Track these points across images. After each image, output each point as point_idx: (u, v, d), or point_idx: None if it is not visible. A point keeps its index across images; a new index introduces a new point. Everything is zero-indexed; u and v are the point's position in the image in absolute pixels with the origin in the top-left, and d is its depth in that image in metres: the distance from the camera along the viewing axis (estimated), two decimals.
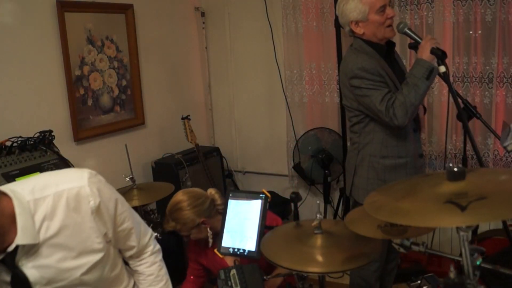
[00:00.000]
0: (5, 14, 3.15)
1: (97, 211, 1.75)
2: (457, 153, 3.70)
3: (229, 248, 2.13)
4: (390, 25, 2.74)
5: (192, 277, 2.94)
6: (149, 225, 3.23)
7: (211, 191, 2.79)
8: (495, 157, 3.63)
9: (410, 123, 2.73)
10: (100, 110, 3.81)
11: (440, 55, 2.53)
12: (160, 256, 2.11)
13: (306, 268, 1.80)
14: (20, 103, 3.25)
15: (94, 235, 1.77)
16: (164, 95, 4.46)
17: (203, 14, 4.77)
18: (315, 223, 1.94)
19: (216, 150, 4.59)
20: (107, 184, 1.86)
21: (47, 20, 3.39)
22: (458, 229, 1.46)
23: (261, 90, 4.64)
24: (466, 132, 2.61)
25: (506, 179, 1.53)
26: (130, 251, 1.99)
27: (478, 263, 1.50)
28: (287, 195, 4.42)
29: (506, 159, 3.58)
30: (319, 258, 1.85)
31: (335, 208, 4.23)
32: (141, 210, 3.18)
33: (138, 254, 2.03)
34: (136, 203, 3.00)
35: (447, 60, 2.61)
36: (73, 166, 3.19)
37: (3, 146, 2.96)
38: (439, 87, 3.67)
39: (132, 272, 2.08)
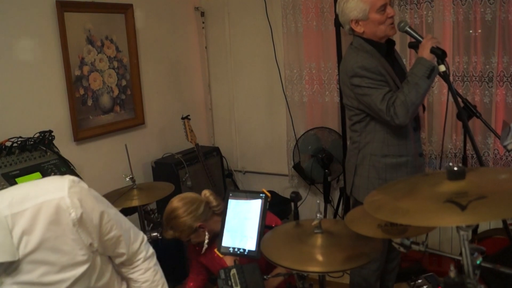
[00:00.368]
0: (4, 14, 3.15)
1: (80, 222, 1.66)
2: (457, 152, 3.70)
3: (229, 247, 2.13)
4: (391, 24, 2.74)
5: (193, 275, 2.94)
6: (149, 225, 3.26)
7: (205, 193, 2.79)
8: (495, 156, 3.63)
9: (411, 122, 2.73)
10: (100, 110, 3.81)
11: (440, 54, 2.53)
12: (154, 260, 2.03)
13: (306, 267, 1.81)
14: (20, 103, 3.25)
15: (78, 247, 1.69)
16: (164, 95, 4.46)
17: (203, 14, 4.77)
18: (315, 222, 1.94)
19: (216, 150, 4.59)
20: (91, 192, 1.76)
21: (46, 20, 3.39)
22: (458, 228, 1.46)
23: (261, 89, 4.64)
24: (466, 131, 2.61)
25: (506, 178, 1.53)
26: (120, 258, 1.91)
27: (478, 262, 1.50)
28: (287, 194, 4.42)
29: (506, 158, 3.58)
30: (319, 257, 1.86)
31: (335, 207, 4.23)
32: (141, 210, 3.18)
33: (130, 262, 1.96)
34: (136, 203, 2.99)
35: (447, 59, 2.61)
36: (73, 166, 3.19)
37: (3, 146, 2.96)
38: (439, 86, 3.67)
39: (125, 278, 2.00)
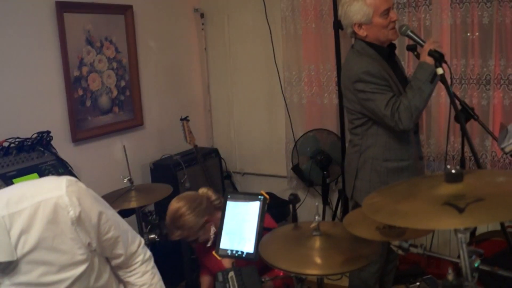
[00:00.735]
0: (4, 14, 3.15)
1: (78, 221, 1.65)
2: (455, 155, 3.70)
3: (227, 250, 2.13)
4: (393, 28, 2.75)
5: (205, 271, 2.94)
6: (147, 227, 3.26)
7: (203, 190, 2.79)
8: (493, 158, 3.64)
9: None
10: (98, 111, 3.81)
11: (437, 57, 2.53)
12: (151, 263, 2.01)
13: (304, 270, 1.81)
14: (18, 104, 3.24)
15: (76, 246, 1.68)
16: (163, 96, 4.46)
17: (202, 16, 4.77)
18: (313, 225, 1.94)
19: (215, 151, 4.59)
20: (89, 191, 1.75)
21: (46, 21, 3.39)
22: (456, 231, 1.46)
23: (260, 91, 4.65)
24: (464, 133, 2.61)
25: (504, 180, 1.53)
26: (117, 260, 1.89)
27: (476, 265, 1.51)
28: (285, 196, 4.40)
29: (504, 161, 3.59)
30: (318, 260, 1.86)
31: (333, 209, 4.23)
32: (139, 212, 3.18)
33: (127, 264, 1.94)
34: (134, 204, 2.99)
35: (447, 62, 2.62)
36: (71, 167, 3.19)
37: (1, 147, 2.96)
38: (437, 88, 3.66)
39: (122, 281, 1.98)
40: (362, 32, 2.75)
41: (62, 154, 3.22)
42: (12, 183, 2.77)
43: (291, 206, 2.45)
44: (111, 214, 1.83)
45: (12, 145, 3.01)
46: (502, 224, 2.55)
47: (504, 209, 1.31)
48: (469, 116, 2.73)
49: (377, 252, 1.86)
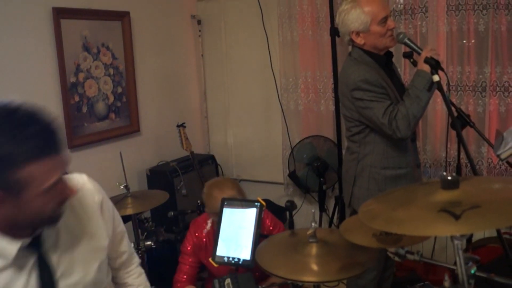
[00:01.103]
0: (0, 20, 3.15)
1: (101, 207, 1.72)
2: (451, 162, 3.71)
3: (224, 257, 2.13)
4: (391, 35, 2.75)
5: (186, 267, 2.91)
6: (143, 233, 3.25)
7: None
8: (489, 165, 3.64)
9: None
10: (95, 117, 3.80)
11: (433, 64, 2.53)
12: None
13: (301, 277, 1.80)
14: None
15: (101, 230, 1.71)
16: (159, 103, 4.46)
17: (199, 22, 4.78)
18: (310, 231, 1.94)
19: (211, 158, 4.59)
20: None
21: (43, 27, 3.39)
22: (452, 237, 1.46)
23: (257, 98, 4.65)
24: (460, 140, 2.62)
25: (500, 187, 1.54)
26: (121, 258, 1.92)
27: (472, 271, 1.51)
28: (282, 203, 4.41)
29: (500, 168, 3.60)
30: (314, 267, 1.85)
31: (330, 216, 4.22)
32: (135, 219, 3.17)
33: (128, 264, 1.96)
34: (130, 211, 2.98)
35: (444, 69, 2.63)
36: (67, 173, 3.17)
37: None
38: (433, 96, 3.66)
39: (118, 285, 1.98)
40: (359, 40, 2.75)
41: None
42: None
43: (287, 213, 2.45)
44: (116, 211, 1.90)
45: None
46: (498, 231, 2.55)
47: (500, 216, 1.31)
48: (465, 123, 2.74)
49: (373, 259, 1.86)
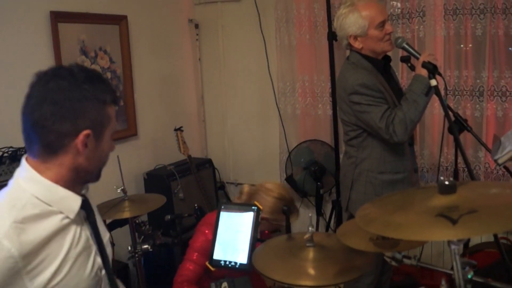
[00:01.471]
0: None
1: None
2: (449, 166, 3.71)
3: (221, 260, 2.12)
4: (388, 40, 2.75)
5: (191, 266, 2.79)
6: (140, 237, 3.24)
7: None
8: (486, 170, 3.64)
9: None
10: None
11: (431, 68, 2.53)
12: None
13: (298, 281, 1.80)
14: (11, 113, 3.19)
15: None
16: (156, 107, 4.45)
17: (196, 26, 4.78)
18: (307, 236, 1.94)
19: (209, 161, 4.58)
20: None
21: (40, 31, 3.39)
22: (449, 242, 1.46)
23: (254, 102, 4.65)
24: (457, 145, 2.62)
25: (497, 192, 1.54)
26: None
27: (469, 276, 1.51)
28: None
29: (497, 172, 3.60)
30: (311, 271, 1.85)
31: (327, 220, 4.22)
32: (132, 222, 3.16)
33: None
34: (127, 214, 2.97)
35: (442, 73, 2.63)
36: None
37: None
38: (430, 100, 3.68)
39: None
40: (357, 44, 2.76)
41: None
42: None
43: (284, 217, 2.44)
44: None
45: (6, 154, 3.00)
46: (495, 236, 2.55)
47: (497, 220, 1.31)
48: (462, 128, 2.74)
49: (371, 263, 1.86)
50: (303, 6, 4.10)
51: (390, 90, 2.75)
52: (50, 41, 3.44)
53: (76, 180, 1.54)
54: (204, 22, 4.78)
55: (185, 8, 4.75)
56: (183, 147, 4.04)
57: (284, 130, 4.36)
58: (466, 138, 3.59)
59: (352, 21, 2.71)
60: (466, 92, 3.59)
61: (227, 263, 2.11)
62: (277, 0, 4.19)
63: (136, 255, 3.06)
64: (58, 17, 3.45)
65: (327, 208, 4.29)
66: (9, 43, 3.21)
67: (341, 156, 3.65)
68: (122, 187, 3.12)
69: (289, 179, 4.24)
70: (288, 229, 2.41)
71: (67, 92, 1.46)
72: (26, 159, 1.52)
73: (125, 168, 3.49)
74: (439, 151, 3.62)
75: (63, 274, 1.46)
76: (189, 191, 4.15)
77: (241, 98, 4.72)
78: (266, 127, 4.63)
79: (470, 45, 3.53)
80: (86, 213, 1.60)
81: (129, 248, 3.08)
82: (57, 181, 1.49)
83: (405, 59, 2.78)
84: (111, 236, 2.09)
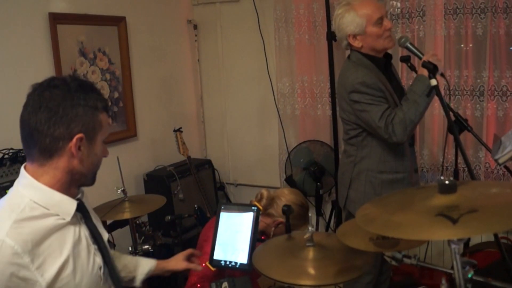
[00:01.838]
0: None
1: None
2: (449, 166, 3.71)
3: (221, 260, 2.12)
4: (388, 36, 2.74)
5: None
6: (140, 237, 3.24)
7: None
8: (487, 169, 3.64)
9: (408, 139, 2.73)
10: None
11: (431, 68, 2.53)
12: None
13: (298, 281, 1.80)
14: (11, 115, 3.19)
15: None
16: (156, 108, 4.45)
17: (195, 27, 4.78)
18: (307, 235, 1.94)
19: (208, 162, 4.59)
20: None
21: (39, 32, 3.39)
22: (449, 242, 1.46)
23: (253, 102, 4.65)
24: (458, 145, 2.61)
25: (497, 192, 1.53)
26: None
27: (469, 276, 1.50)
28: None
29: (498, 172, 3.60)
30: (311, 271, 1.85)
31: (327, 220, 4.22)
32: (132, 223, 3.16)
33: None
34: (127, 215, 2.98)
35: (445, 73, 2.62)
36: None
37: None
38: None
39: None
40: (357, 43, 2.75)
41: None
42: (5, 194, 2.76)
43: (284, 217, 2.44)
44: None
45: (6, 156, 3.00)
46: (495, 235, 2.55)
47: (498, 220, 1.30)
48: (463, 128, 2.73)
49: (370, 263, 1.86)
50: (302, 6, 4.10)
51: (391, 89, 2.75)
52: (49, 43, 3.44)
53: (72, 183, 1.64)
54: (202, 22, 4.78)
55: (184, 9, 4.75)
56: (182, 148, 4.04)
57: (284, 131, 4.36)
58: (466, 138, 3.59)
59: (349, 20, 2.70)
60: (467, 92, 3.59)
61: (227, 263, 2.11)
62: (276, 0, 4.19)
63: (137, 256, 3.05)
64: (57, 19, 3.45)
65: (327, 208, 4.30)
66: (8, 45, 3.21)
67: (340, 156, 3.64)
68: (122, 188, 3.12)
69: (289, 180, 4.24)
70: (288, 229, 2.41)
71: (61, 99, 1.55)
72: (25, 167, 1.62)
73: (125, 169, 3.50)
74: (441, 152, 3.63)
75: (71, 268, 1.55)
76: (189, 191, 4.15)
77: (240, 98, 4.72)
78: (266, 128, 4.63)
79: (471, 45, 3.53)
80: (82, 215, 1.69)
81: (130, 248, 3.08)
82: (53, 185, 1.59)
83: (404, 59, 2.77)
84: (111, 236, 2.14)
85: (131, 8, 4.12)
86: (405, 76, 3.76)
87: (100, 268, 1.69)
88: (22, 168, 1.62)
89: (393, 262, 1.76)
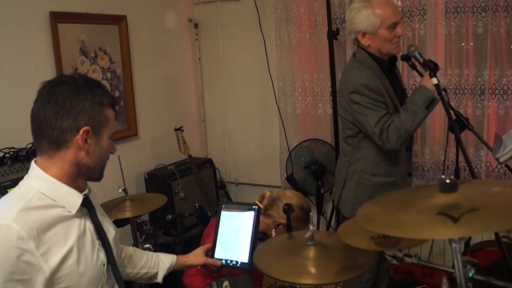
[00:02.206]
0: None
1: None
2: (450, 165, 3.71)
3: (222, 259, 2.13)
4: (397, 42, 2.73)
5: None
6: (141, 236, 3.24)
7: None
8: (488, 168, 3.64)
9: (402, 146, 2.73)
10: None
11: (432, 67, 2.51)
12: None
13: (299, 279, 1.80)
14: (12, 114, 3.23)
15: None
16: (157, 106, 4.45)
17: (196, 26, 4.78)
18: (308, 234, 1.94)
19: (209, 161, 4.58)
20: None
21: (40, 31, 3.39)
22: (450, 241, 1.46)
23: (254, 101, 4.65)
24: (459, 143, 2.61)
25: (498, 191, 1.53)
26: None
27: (470, 275, 1.50)
28: None
29: (498, 171, 3.59)
30: (312, 269, 1.85)
31: (328, 219, 4.22)
32: (133, 222, 3.16)
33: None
34: (128, 214, 2.98)
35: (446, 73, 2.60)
36: None
37: None
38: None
39: None
40: (365, 41, 2.73)
41: None
42: (6, 193, 2.76)
43: (285, 219, 2.44)
44: None
45: (7, 155, 3.00)
46: (496, 234, 2.55)
47: (499, 219, 1.31)
48: (463, 126, 2.73)
49: (371, 262, 1.86)
50: (303, 5, 4.10)
51: (393, 93, 2.73)
52: (50, 42, 3.44)
53: (79, 176, 1.68)
54: (203, 21, 4.78)
55: (185, 8, 4.74)
56: (183, 147, 4.04)
57: (285, 130, 4.36)
58: (467, 136, 3.58)
59: (364, 17, 2.68)
60: (467, 91, 3.59)
61: (228, 262, 2.11)
62: None
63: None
64: (57, 18, 3.45)
65: (328, 207, 4.30)
66: (9, 44, 3.21)
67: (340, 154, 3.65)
68: (123, 187, 3.12)
69: (290, 179, 4.24)
70: (289, 229, 2.41)
71: (68, 94, 1.63)
72: (35, 161, 1.69)
73: (126, 168, 3.50)
74: (442, 150, 3.63)
75: (75, 258, 1.59)
76: (189, 190, 4.15)
77: (241, 97, 4.72)
78: (266, 127, 4.63)
79: (472, 44, 3.52)
80: (88, 211, 1.72)
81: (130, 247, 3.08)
82: (61, 177, 1.63)
83: (405, 58, 2.76)
84: None
85: (132, 7, 4.12)
86: (405, 75, 3.75)
87: (104, 264, 1.72)
88: (32, 162, 1.69)
89: (394, 261, 1.76)
